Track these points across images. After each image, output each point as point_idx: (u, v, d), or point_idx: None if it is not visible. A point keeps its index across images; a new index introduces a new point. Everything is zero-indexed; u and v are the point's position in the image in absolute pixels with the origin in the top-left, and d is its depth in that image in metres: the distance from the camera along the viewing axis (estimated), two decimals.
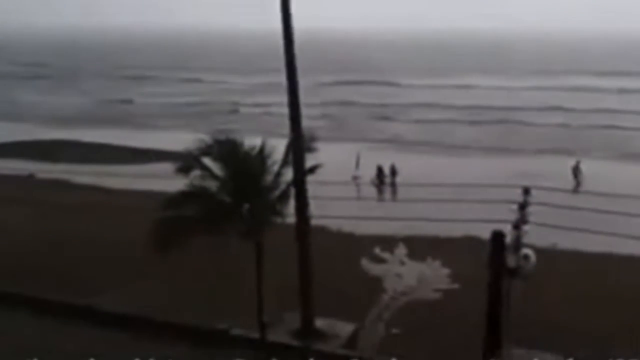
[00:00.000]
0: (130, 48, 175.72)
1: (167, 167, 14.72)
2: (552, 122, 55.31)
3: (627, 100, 68.05)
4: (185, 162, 14.10)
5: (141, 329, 15.49)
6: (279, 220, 14.31)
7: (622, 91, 75.44)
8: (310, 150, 14.69)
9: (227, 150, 14.03)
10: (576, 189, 33.81)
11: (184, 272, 17.83)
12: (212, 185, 14.00)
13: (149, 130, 55.26)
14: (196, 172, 14.02)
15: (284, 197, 14.37)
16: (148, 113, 66.06)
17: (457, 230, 22.62)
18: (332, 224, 23.99)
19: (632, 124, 52.96)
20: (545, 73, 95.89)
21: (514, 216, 25.01)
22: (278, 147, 14.62)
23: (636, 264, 20.49)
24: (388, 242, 14.26)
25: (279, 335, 14.64)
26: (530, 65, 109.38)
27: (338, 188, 26.96)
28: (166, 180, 15.08)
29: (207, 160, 14.06)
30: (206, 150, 13.98)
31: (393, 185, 34.98)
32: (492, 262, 12.80)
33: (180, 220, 13.72)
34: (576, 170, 35.03)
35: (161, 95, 79.25)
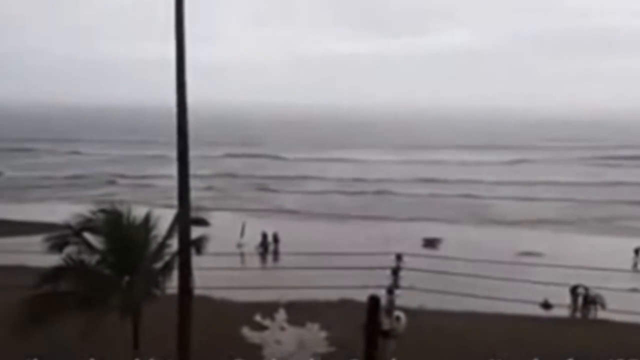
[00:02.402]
0: (3, 119, 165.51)
1: (39, 240, 14.23)
2: (420, 192, 59.42)
3: (485, 171, 75.08)
4: (60, 236, 13.80)
5: None
6: (158, 292, 14.20)
7: (479, 163, 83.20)
8: (201, 222, 14.79)
9: (109, 222, 13.94)
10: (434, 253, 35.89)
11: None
12: (92, 258, 13.80)
13: (19, 203, 52.14)
14: (73, 246, 13.79)
15: (167, 268, 14.33)
16: (18, 185, 62.63)
17: (335, 295, 23.59)
18: (216, 294, 24.00)
19: (485, 193, 58.77)
20: (414, 147, 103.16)
21: (388, 281, 26.91)
22: (163, 217, 14.66)
23: (492, 321, 22.46)
24: (270, 309, 14.62)
25: None
26: (400, 140, 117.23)
27: (224, 257, 27.11)
28: (39, 255, 14.53)
29: (87, 233, 13.87)
30: (86, 224, 13.83)
31: (276, 252, 35.60)
32: (368, 325, 13.66)
33: (54, 297, 13.32)
34: (434, 240, 37.42)
35: (36, 168, 75.75)
